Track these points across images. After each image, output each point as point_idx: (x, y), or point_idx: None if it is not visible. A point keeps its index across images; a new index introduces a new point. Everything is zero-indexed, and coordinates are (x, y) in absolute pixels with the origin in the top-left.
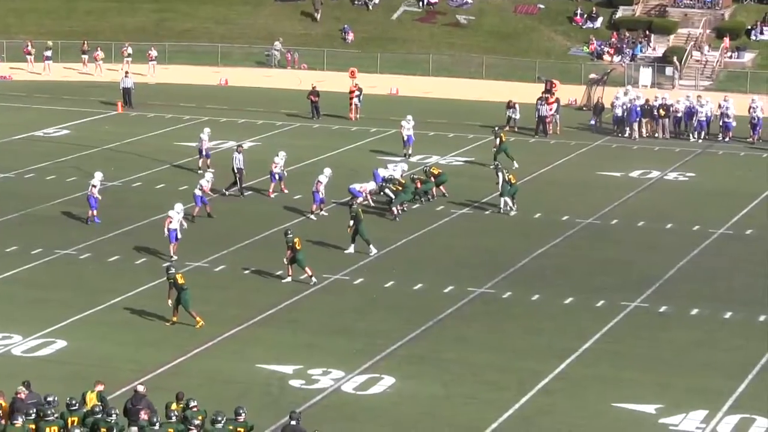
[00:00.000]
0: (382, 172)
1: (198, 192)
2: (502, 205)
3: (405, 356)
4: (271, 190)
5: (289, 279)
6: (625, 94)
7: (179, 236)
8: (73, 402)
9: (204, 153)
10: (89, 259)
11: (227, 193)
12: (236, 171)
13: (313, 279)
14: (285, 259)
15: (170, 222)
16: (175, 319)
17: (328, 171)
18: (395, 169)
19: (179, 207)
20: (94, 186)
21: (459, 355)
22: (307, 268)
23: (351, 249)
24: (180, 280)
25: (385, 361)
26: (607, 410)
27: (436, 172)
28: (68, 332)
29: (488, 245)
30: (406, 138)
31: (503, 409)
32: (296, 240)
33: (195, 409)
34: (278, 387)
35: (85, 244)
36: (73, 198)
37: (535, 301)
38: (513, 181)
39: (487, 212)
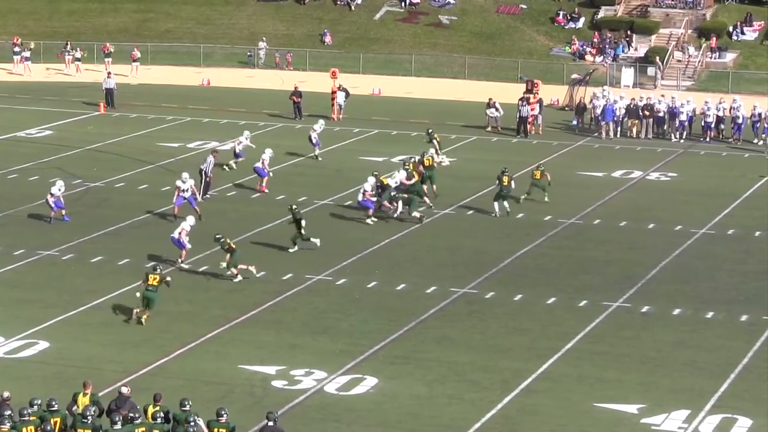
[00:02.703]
0: (392, 182)
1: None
2: (500, 210)
3: (388, 356)
4: (263, 185)
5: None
6: (603, 96)
7: (187, 245)
8: (53, 403)
9: (238, 153)
10: (72, 259)
11: (204, 198)
12: (203, 173)
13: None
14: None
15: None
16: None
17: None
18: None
19: (191, 220)
20: (52, 194)
21: (442, 355)
22: (241, 266)
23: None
24: (153, 281)
25: (368, 362)
26: (590, 410)
27: (427, 163)
28: (51, 333)
29: (471, 245)
30: (314, 141)
31: (486, 409)
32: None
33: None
34: (261, 388)
35: (68, 244)
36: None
37: (517, 301)
38: (505, 184)
39: (469, 212)
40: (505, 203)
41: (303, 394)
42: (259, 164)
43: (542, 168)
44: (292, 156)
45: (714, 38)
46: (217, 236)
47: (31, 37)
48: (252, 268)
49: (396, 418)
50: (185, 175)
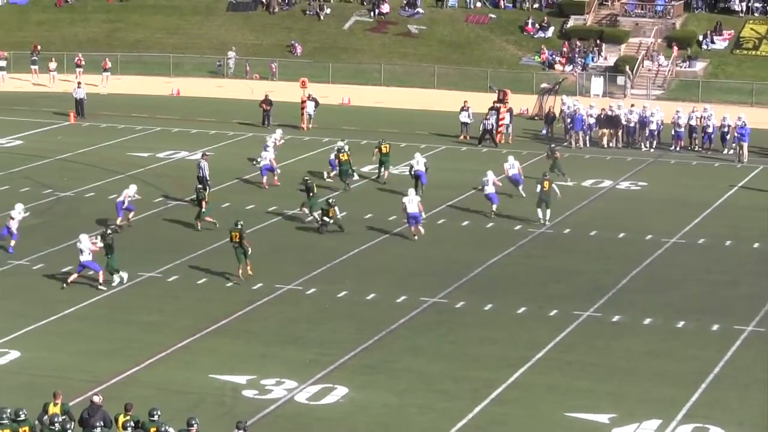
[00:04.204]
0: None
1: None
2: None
3: (358, 366)
4: (264, 182)
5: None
6: (570, 105)
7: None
8: (20, 413)
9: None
10: (42, 269)
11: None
12: (203, 180)
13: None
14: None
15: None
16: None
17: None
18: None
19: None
20: (12, 218)
21: (412, 364)
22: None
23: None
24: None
25: (338, 371)
26: (561, 419)
27: (384, 150)
28: (21, 342)
29: (441, 255)
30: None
31: (457, 419)
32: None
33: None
34: (231, 397)
35: (38, 254)
36: (25, 208)
37: (488, 310)
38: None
39: (440, 222)
40: (548, 210)
41: (273, 404)
42: (267, 163)
43: (547, 176)
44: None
45: (675, 47)
46: (199, 187)
47: (1, 48)
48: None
49: (366, 428)
50: (133, 187)
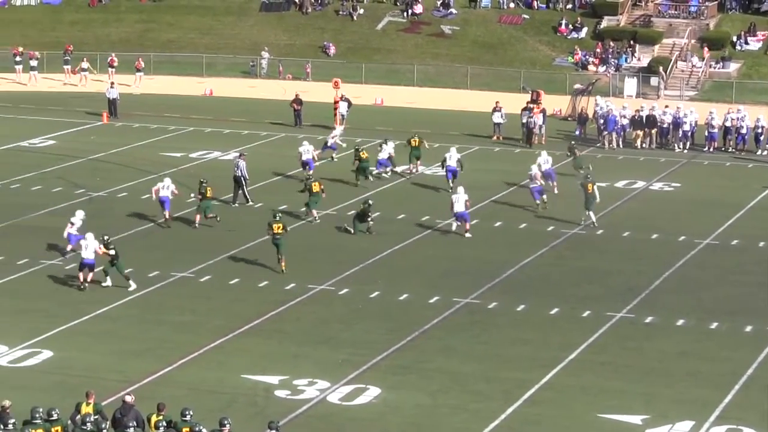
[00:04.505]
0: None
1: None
2: (585, 219)
3: (390, 366)
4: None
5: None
6: (603, 106)
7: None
8: (53, 413)
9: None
10: (74, 270)
11: (235, 205)
12: (238, 179)
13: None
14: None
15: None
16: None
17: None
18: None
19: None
20: (72, 224)
21: (444, 365)
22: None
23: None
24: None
25: (371, 372)
26: (593, 420)
27: (414, 143)
28: (54, 342)
29: (474, 255)
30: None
31: (489, 419)
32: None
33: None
34: (264, 397)
35: (70, 254)
36: (58, 208)
37: (520, 311)
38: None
39: (472, 222)
40: (591, 214)
41: (306, 404)
42: (308, 156)
43: (591, 179)
44: (294, 166)
45: (705, 48)
46: (202, 180)
47: (34, 48)
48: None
49: (398, 429)
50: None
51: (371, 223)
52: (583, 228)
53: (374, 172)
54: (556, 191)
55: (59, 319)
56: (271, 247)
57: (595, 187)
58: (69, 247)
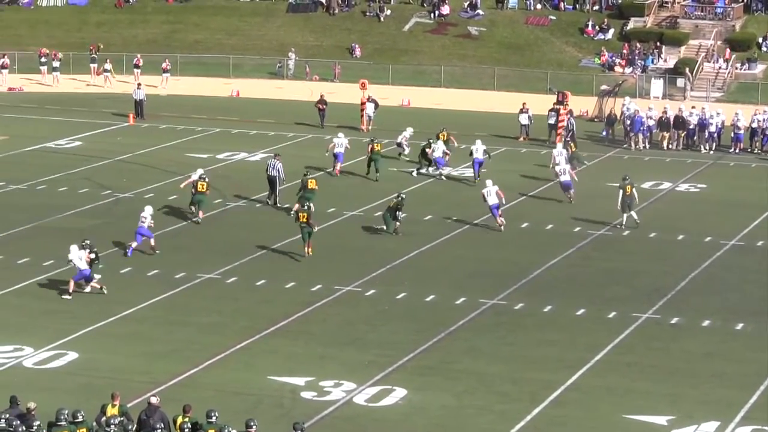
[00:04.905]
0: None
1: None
2: (627, 220)
3: (416, 367)
4: (337, 170)
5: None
6: (631, 107)
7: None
8: (78, 415)
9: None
10: (101, 270)
11: (270, 202)
12: (273, 179)
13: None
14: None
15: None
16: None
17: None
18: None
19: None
20: (144, 219)
21: (471, 366)
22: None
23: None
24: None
25: (397, 373)
26: (619, 421)
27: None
28: (79, 344)
29: (500, 257)
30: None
31: (515, 421)
32: None
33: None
34: (290, 399)
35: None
36: (84, 210)
37: (547, 312)
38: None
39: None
40: (633, 213)
41: (332, 406)
42: (340, 150)
43: (629, 180)
44: (321, 167)
45: (727, 50)
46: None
47: (60, 49)
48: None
49: (424, 430)
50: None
51: (398, 224)
52: (610, 229)
53: (436, 172)
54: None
55: (85, 320)
56: (295, 247)
57: (633, 189)
58: (134, 244)
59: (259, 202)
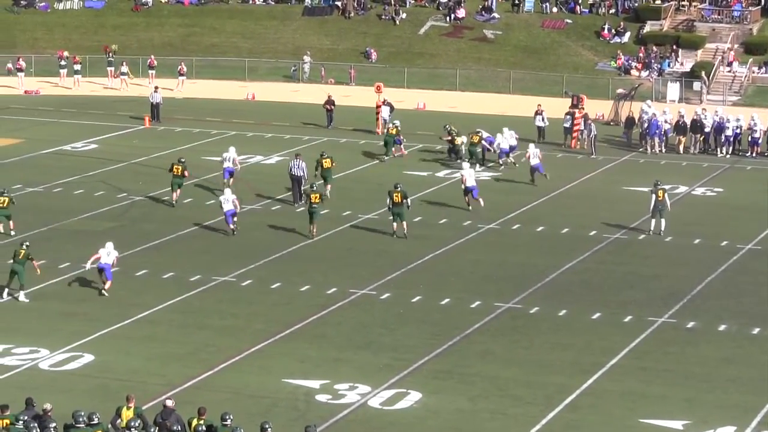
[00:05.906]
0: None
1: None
2: (655, 228)
3: (431, 371)
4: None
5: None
6: (648, 111)
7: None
8: (93, 417)
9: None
10: (116, 273)
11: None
12: (298, 178)
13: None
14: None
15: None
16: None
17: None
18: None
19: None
20: (223, 203)
21: (485, 369)
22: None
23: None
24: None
25: (412, 376)
26: (635, 426)
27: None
28: (95, 346)
29: (515, 260)
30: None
31: (530, 425)
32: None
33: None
34: (305, 402)
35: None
36: (100, 212)
37: (562, 316)
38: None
39: (514, 227)
40: (662, 220)
41: (347, 409)
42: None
43: (660, 185)
44: (337, 170)
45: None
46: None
47: (77, 52)
48: None
49: None
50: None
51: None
52: (626, 233)
53: (500, 161)
54: (547, 177)
55: (101, 323)
56: (310, 250)
57: (666, 194)
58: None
59: (274, 205)
